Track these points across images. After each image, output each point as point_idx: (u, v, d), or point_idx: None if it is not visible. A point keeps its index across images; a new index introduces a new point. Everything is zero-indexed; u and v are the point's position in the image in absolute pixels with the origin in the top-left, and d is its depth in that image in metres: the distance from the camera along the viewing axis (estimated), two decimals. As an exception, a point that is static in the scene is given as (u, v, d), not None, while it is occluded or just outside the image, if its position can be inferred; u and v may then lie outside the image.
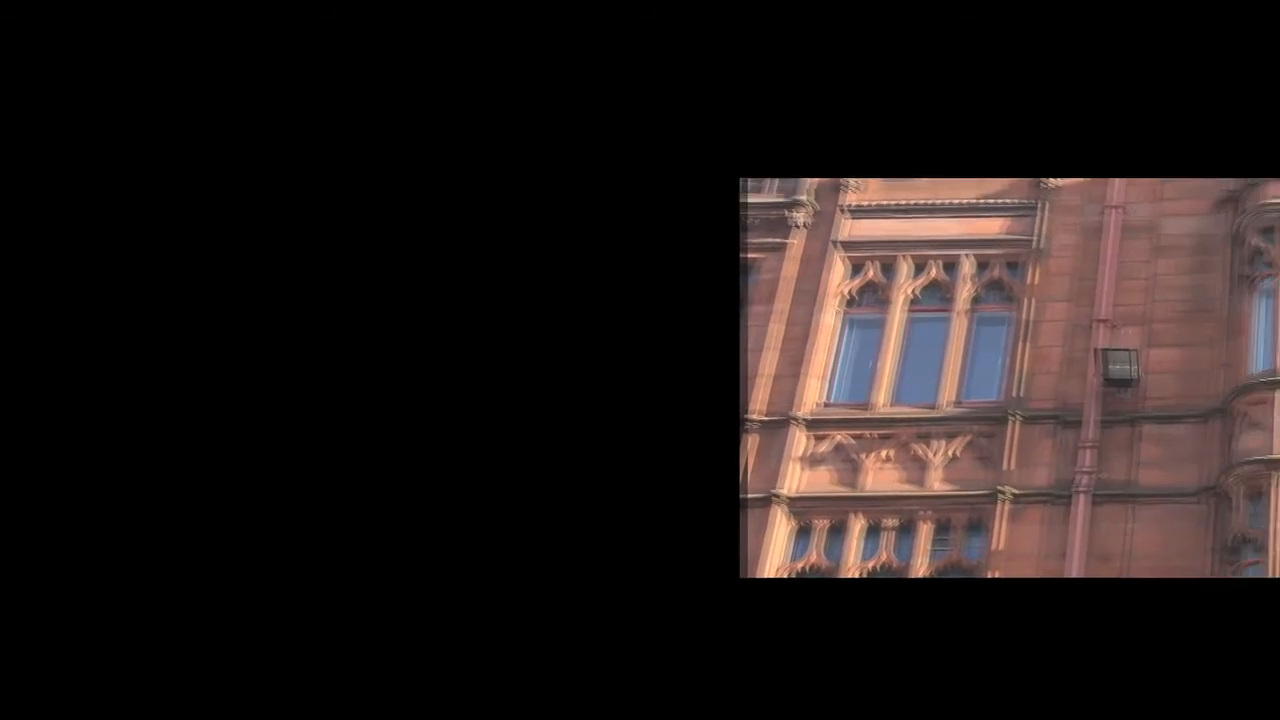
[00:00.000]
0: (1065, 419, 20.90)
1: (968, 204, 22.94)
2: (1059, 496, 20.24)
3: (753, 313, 22.16)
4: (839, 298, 22.64)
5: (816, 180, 23.16)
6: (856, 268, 22.87)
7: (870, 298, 22.72)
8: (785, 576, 20.16)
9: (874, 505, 20.72)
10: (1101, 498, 20.09)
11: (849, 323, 22.55)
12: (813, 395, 21.73)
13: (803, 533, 20.72)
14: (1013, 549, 19.92)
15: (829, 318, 22.42)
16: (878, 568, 20.32)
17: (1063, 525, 19.98)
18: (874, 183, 23.21)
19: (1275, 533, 18.96)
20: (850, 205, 23.21)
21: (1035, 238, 22.55)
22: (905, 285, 22.62)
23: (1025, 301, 22.07)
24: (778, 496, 20.72)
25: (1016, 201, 22.89)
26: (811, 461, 21.20)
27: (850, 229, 23.12)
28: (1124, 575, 19.07)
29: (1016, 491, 20.36)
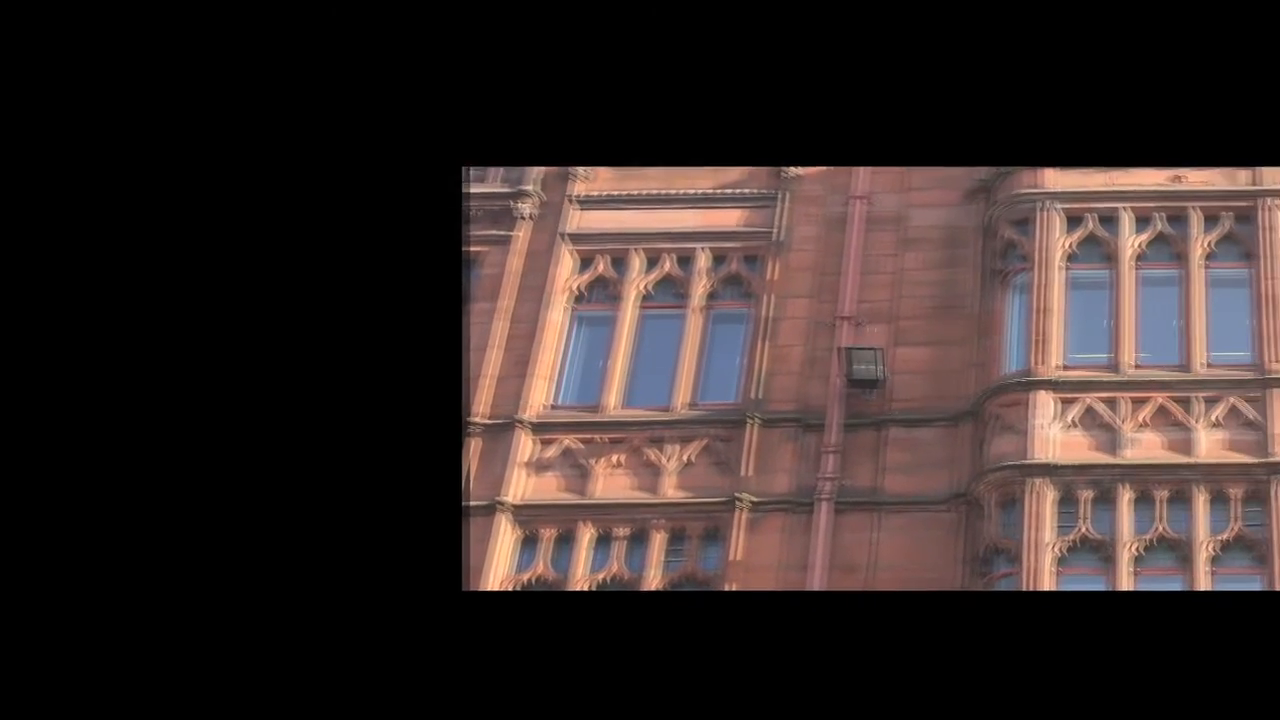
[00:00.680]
0: (807, 422, 20.84)
1: (704, 194, 22.91)
2: (800, 504, 20.19)
3: (475, 310, 22.04)
4: (567, 294, 22.51)
5: (543, 169, 23.14)
6: (585, 262, 22.77)
7: (600, 294, 22.61)
8: (510, 589, 20.10)
9: (604, 513, 20.61)
10: (845, 506, 20.06)
11: (578, 320, 22.45)
12: (539, 397, 21.65)
13: (529, 542, 20.66)
14: (751, 560, 19.85)
15: (556, 315, 22.32)
16: (608, 580, 20.23)
17: (804, 535, 19.93)
18: (604, 172, 23.15)
19: (1029, 543, 18.96)
20: (579, 195, 23.12)
21: (775, 230, 22.51)
22: (637, 280, 22.50)
23: (764, 298, 22.01)
24: (502, 504, 20.58)
25: (755, 191, 22.84)
26: (538, 467, 21.05)
27: (579, 221, 23.04)
28: (869, 588, 19.07)
29: (755, 499, 20.29)
